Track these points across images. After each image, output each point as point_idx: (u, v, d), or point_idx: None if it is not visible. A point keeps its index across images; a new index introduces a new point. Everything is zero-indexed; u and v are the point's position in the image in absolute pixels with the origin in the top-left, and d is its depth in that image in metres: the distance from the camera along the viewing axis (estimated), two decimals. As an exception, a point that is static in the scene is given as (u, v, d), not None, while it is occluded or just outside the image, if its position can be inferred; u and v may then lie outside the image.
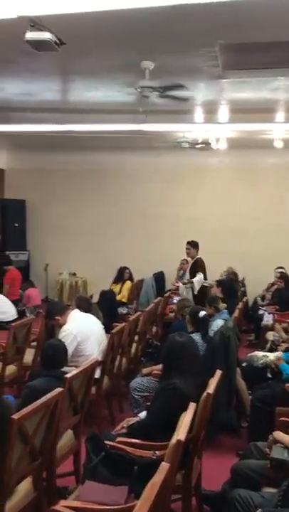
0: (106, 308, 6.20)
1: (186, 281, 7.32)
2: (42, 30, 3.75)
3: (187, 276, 7.45)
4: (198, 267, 7.32)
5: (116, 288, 8.29)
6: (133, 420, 3.05)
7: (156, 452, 2.49)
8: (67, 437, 3.06)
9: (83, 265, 10.54)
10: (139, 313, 5.46)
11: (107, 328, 4.68)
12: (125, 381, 4.94)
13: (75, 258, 10.63)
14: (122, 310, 7.71)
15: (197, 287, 7.11)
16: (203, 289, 7.16)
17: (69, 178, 10.76)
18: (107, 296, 7.11)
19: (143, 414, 3.09)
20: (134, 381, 4.20)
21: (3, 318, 8.00)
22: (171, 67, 5.26)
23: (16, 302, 8.73)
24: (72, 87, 6.28)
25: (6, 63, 5.32)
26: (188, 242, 7.51)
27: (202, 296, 6.80)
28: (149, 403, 3.39)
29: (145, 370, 4.20)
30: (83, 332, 4.12)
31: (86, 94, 6.41)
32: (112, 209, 10.52)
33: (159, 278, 9.61)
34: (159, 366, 3.95)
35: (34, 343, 5.00)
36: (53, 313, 4.35)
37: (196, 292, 7.06)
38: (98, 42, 4.65)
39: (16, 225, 10.73)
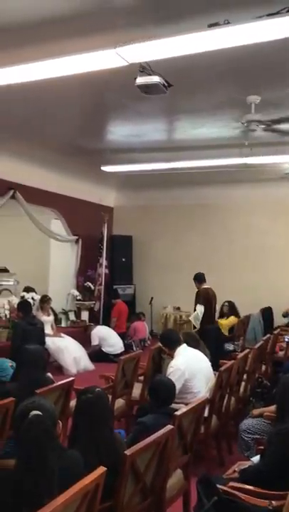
0: (212, 345, 6.08)
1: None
2: (151, 75, 3.93)
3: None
4: (198, 297, 7.10)
5: (221, 322, 8.13)
6: (245, 464, 2.89)
7: (273, 502, 2.33)
8: (176, 477, 2.99)
9: (187, 299, 10.47)
10: (247, 350, 5.27)
11: (214, 365, 4.57)
12: (234, 421, 4.76)
13: (179, 292, 10.65)
14: (228, 346, 7.51)
15: (196, 323, 6.86)
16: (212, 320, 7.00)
17: (173, 214, 10.95)
18: (213, 332, 6.99)
19: (256, 459, 2.92)
20: (244, 422, 4.02)
21: (110, 351, 8.24)
22: (278, 99, 5.20)
23: (122, 335, 8.94)
24: (179, 126, 6.45)
25: (117, 107, 5.66)
26: (193, 277, 7.36)
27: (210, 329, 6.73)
28: (261, 447, 3.21)
29: (256, 411, 4.00)
30: (191, 369, 4.06)
31: (192, 132, 6.54)
32: (216, 243, 10.45)
33: (267, 313, 9.25)
34: (271, 408, 3.75)
35: (141, 378, 5.02)
36: (165, 342, 4.37)
37: (197, 327, 6.83)
38: (204, 80, 4.77)
39: (123, 259, 11.09)
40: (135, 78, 3.93)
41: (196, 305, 7.17)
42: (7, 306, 7.62)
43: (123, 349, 8.37)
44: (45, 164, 8.62)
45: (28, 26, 3.75)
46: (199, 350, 4.48)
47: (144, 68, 3.90)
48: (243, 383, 5.09)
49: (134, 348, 8.59)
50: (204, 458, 3.92)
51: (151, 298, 10.81)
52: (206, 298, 7.13)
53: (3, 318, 7.78)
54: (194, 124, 6.21)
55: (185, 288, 10.54)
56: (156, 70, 3.92)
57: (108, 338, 8.41)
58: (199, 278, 7.36)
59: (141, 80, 3.89)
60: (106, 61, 3.61)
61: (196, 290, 7.30)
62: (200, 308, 7.03)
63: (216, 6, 3.37)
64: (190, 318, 7.05)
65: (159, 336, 4.80)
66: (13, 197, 8.21)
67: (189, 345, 4.39)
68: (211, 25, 3.21)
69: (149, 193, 10.77)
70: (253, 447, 3.77)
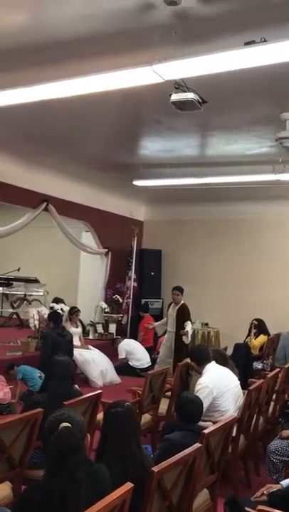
0: (241, 363, 6.00)
1: (186, 331, 7.19)
2: (186, 91, 3.96)
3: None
4: (185, 314, 7.26)
5: (253, 344, 8.00)
6: (274, 488, 2.82)
7: (303, 529, 2.26)
8: (203, 497, 2.94)
9: (216, 315, 10.41)
10: (277, 370, 5.16)
11: (242, 384, 4.49)
12: (262, 442, 4.66)
13: (207, 308, 10.57)
14: (257, 365, 7.38)
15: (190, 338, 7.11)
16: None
17: (203, 229, 10.91)
18: (242, 350, 6.88)
19: (285, 482, 2.85)
20: (273, 443, 3.92)
21: (137, 365, 8.21)
22: (313, 115, 5.16)
23: (149, 349, 8.90)
24: (212, 142, 6.46)
25: (151, 123, 5.72)
26: (176, 288, 7.46)
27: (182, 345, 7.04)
28: (290, 470, 3.13)
29: (285, 433, 3.90)
30: (219, 387, 4.00)
31: (225, 148, 6.54)
32: (247, 259, 10.35)
33: (298, 332, 9.05)
34: (301, 430, 3.67)
35: (168, 393, 4.98)
36: (194, 357, 4.32)
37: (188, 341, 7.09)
38: (238, 97, 4.78)
39: (152, 273, 11.10)
40: (170, 95, 3.97)
41: (184, 322, 7.24)
42: (36, 317, 7.72)
43: (150, 363, 8.33)
44: (78, 178, 8.76)
45: (66, 44, 3.85)
46: (227, 368, 4.41)
47: (180, 85, 3.93)
48: (272, 403, 4.99)
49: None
50: (231, 478, 3.85)
51: (179, 313, 10.74)
52: (189, 314, 7.39)
53: (33, 329, 7.87)
54: (228, 140, 6.21)
55: (213, 304, 10.50)
56: (191, 86, 3.95)
57: (135, 351, 8.38)
58: (182, 291, 7.49)
59: (176, 96, 3.93)
60: (142, 78, 3.66)
61: (171, 302, 7.56)
62: (190, 325, 7.27)
63: (253, 24, 3.39)
64: (185, 339, 7.17)
65: (189, 351, 4.76)
66: (45, 209, 8.35)
67: (217, 362, 4.34)
68: (248, 43, 3.23)
69: (180, 208, 10.78)
70: (281, 470, 3.68)
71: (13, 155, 7.42)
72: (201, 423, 3.31)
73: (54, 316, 6.80)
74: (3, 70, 4.22)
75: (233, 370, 4.47)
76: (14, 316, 11.13)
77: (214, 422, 3.29)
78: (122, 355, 8.29)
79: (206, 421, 3.70)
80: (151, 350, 9.05)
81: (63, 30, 3.67)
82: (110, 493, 1.86)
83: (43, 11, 3.43)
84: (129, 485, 1.93)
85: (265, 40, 3.18)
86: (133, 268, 10.31)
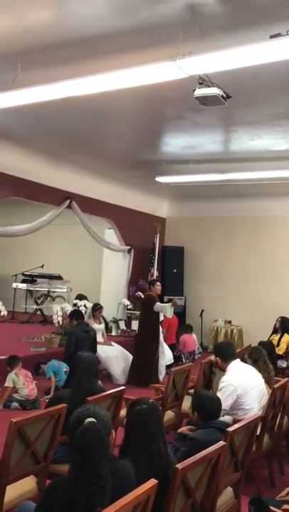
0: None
1: None
2: (210, 87, 3.92)
3: None
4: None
5: (275, 339, 7.91)
6: (300, 488, 2.78)
7: None
8: (226, 495, 2.92)
9: (239, 313, 10.34)
10: (302, 368, 5.10)
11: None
12: (286, 441, 4.61)
13: (230, 306, 10.50)
14: (282, 363, 7.29)
15: None
16: None
17: (226, 226, 10.82)
18: (266, 348, 6.78)
19: (311, 483, 2.80)
20: (298, 443, 3.88)
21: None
22: None
23: (171, 347, 8.88)
24: (235, 137, 6.39)
25: (173, 119, 5.69)
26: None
27: None
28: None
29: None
30: (243, 385, 3.96)
31: (248, 143, 6.46)
32: (271, 256, 10.22)
33: None
34: None
35: (191, 391, 4.96)
36: (219, 353, 4.28)
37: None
38: (262, 92, 4.71)
39: (175, 270, 11.06)
40: (194, 90, 3.93)
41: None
42: (60, 313, 7.77)
43: (172, 361, 8.31)
44: (100, 175, 8.78)
45: (89, 41, 3.85)
46: (259, 363, 4.38)
47: (204, 80, 3.90)
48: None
49: (184, 360, 8.50)
50: (255, 477, 3.81)
51: (202, 310, 10.71)
52: None
53: (56, 325, 7.93)
54: (251, 135, 6.13)
55: (237, 302, 10.41)
56: (214, 80, 3.91)
57: (158, 349, 8.36)
58: None
59: (200, 91, 3.89)
60: (166, 73, 3.64)
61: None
62: None
63: (278, 16, 3.33)
64: None
65: (215, 346, 4.73)
66: (69, 206, 8.40)
67: (252, 356, 4.31)
68: (273, 36, 3.17)
69: (202, 205, 10.72)
70: (306, 470, 3.63)
71: (37, 153, 7.48)
72: (226, 417, 3.29)
73: (76, 313, 6.85)
74: (28, 68, 4.24)
75: (266, 367, 4.44)
76: (38, 312, 11.25)
77: (238, 420, 3.26)
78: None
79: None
80: (174, 348, 9.03)
81: (86, 27, 3.67)
82: (135, 489, 1.86)
83: (67, 7, 3.44)
84: (153, 481, 1.92)
85: (291, 33, 3.12)
86: (155, 265, 10.29)
